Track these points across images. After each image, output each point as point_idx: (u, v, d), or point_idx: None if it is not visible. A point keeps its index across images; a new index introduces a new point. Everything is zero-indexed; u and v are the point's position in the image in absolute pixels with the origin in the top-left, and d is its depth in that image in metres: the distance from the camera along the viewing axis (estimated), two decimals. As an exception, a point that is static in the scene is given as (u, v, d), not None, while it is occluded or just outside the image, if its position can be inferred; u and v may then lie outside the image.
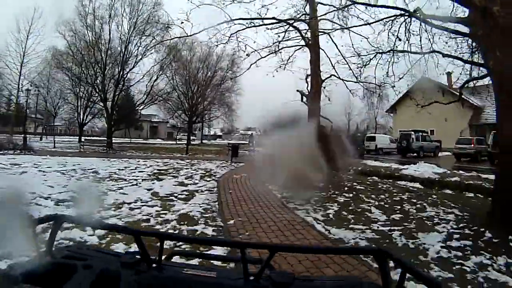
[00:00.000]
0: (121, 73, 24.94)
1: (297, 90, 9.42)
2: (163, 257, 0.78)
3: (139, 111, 44.27)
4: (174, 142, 35.11)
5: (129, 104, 31.65)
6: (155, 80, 26.27)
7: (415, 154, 21.72)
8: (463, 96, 26.12)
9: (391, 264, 0.69)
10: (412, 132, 22.11)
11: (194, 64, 34.06)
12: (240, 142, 33.90)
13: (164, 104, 33.73)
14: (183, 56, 31.68)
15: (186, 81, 31.31)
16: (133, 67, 26.29)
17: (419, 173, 10.07)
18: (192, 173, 10.09)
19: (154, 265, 0.74)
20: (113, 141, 32.68)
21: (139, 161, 13.94)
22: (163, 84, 28.92)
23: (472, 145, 19.32)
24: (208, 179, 8.88)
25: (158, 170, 10.65)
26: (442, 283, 0.86)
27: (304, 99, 9.22)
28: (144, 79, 26.42)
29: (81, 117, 33.37)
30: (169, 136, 49.85)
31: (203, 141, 41.04)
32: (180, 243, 2.95)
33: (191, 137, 45.09)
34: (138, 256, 0.74)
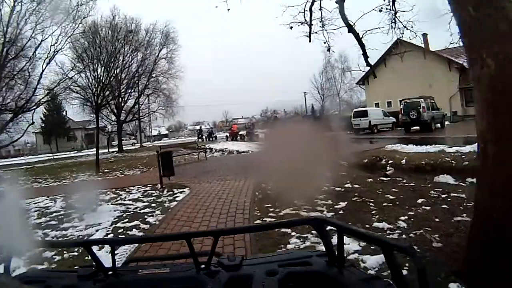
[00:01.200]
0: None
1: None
2: (120, 265, 0.77)
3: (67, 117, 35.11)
4: (107, 151, 26.44)
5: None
6: (51, 59, 17.36)
7: (419, 127, 17.05)
8: (449, 57, 21.66)
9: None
10: (422, 100, 17.20)
11: (115, 44, 25.65)
12: (188, 140, 25.47)
13: (74, 99, 24.94)
14: (99, 33, 23.16)
15: (104, 64, 22.84)
16: (22, 49, 17.38)
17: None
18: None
19: (110, 272, 0.72)
20: (30, 160, 23.50)
21: None
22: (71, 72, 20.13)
23: None
24: None
25: None
26: (376, 235, 0.67)
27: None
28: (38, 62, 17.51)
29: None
30: (109, 142, 40.59)
31: (144, 144, 32.19)
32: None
33: (133, 141, 36.17)
34: (93, 268, 0.72)
